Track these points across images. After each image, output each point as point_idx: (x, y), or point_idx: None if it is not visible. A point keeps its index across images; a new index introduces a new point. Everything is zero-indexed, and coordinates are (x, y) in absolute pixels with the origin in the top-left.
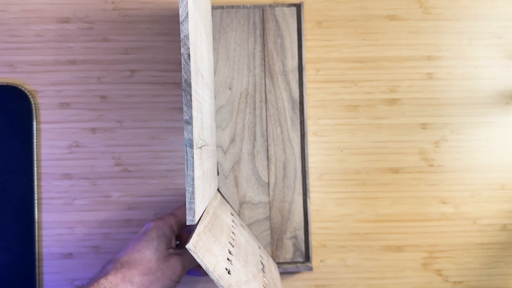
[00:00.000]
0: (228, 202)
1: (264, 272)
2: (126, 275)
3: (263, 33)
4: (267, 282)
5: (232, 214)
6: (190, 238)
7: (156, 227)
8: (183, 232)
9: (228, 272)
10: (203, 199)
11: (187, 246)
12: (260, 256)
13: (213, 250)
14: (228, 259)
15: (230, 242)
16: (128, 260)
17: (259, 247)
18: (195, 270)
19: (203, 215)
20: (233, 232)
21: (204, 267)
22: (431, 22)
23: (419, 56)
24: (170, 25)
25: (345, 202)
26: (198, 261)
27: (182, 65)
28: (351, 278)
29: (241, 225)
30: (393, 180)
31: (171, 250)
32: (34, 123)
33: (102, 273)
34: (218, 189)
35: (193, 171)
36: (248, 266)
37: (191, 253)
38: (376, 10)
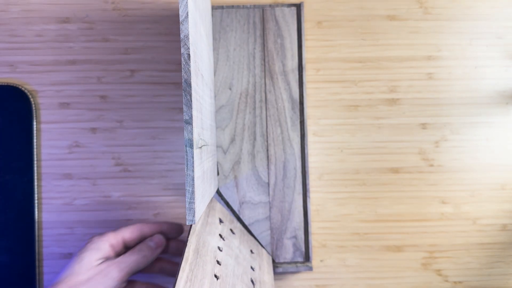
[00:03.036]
0: (229, 204)
1: None
2: None
3: (263, 33)
4: None
5: (221, 221)
6: None
7: (89, 241)
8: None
9: None
10: (203, 199)
11: None
12: (251, 269)
13: None
14: None
15: None
16: (59, 280)
17: (251, 251)
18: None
19: (181, 268)
20: (218, 262)
21: None
22: (431, 22)
23: (419, 56)
24: (170, 25)
25: (345, 202)
26: None
27: (182, 65)
28: (351, 278)
29: (231, 230)
30: (393, 180)
31: (105, 260)
32: (34, 123)
33: None
34: (218, 191)
35: (193, 171)
36: None
37: None
38: (376, 10)
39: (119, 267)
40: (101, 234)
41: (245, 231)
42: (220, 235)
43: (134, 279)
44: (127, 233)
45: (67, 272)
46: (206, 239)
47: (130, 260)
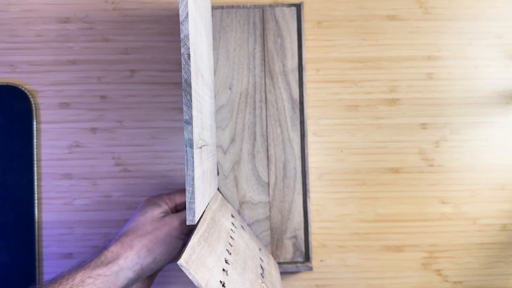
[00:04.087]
0: (228, 202)
1: (263, 277)
2: (125, 241)
3: (263, 33)
4: (265, 287)
5: (232, 216)
6: (182, 253)
7: (147, 200)
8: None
9: (223, 285)
10: (203, 199)
11: (178, 262)
12: (260, 259)
13: (207, 262)
14: (223, 269)
15: (227, 250)
16: (125, 231)
17: (260, 249)
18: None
19: (200, 222)
20: (231, 237)
21: (196, 284)
22: (431, 22)
23: (419, 56)
24: (170, 25)
25: (345, 202)
26: (190, 277)
27: (182, 65)
28: (351, 278)
29: (242, 226)
30: (393, 180)
31: (166, 214)
32: (34, 123)
33: (104, 248)
34: (218, 189)
35: (193, 171)
36: (246, 273)
37: (183, 270)
38: (376, 10)
39: (180, 219)
40: (156, 195)
41: (254, 235)
42: (232, 223)
43: (185, 242)
44: (178, 197)
45: (132, 224)
46: (220, 219)
47: None
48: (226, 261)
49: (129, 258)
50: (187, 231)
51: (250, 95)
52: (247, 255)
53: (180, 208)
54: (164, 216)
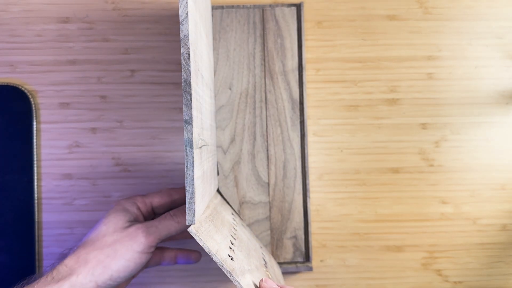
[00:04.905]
0: (228, 203)
1: (266, 267)
2: (81, 254)
3: (263, 33)
4: (270, 276)
5: (232, 214)
6: (192, 225)
7: (117, 203)
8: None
9: (231, 259)
10: (203, 199)
11: (189, 230)
12: (262, 254)
13: (215, 237)
14: (230, 248)
15: (232, 235)
16: (84, 242)
17: (261, 247)
18: (184, 257)
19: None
20: (234, 228)
21: (207, 250)
22: (431, 22)
23: (419, 56)
24: (170, 25)
25: (345, 202)
26: (201, 244)
27: (182, 65)
28: (351, 278)
29: (242, 224)
30: (393, 180)
31: (133, 223)
32: (34, 123)
33: (61, 260)
34: (218, 190)
35: (193, 171)
36: (250, 258)
37: (194, 236)
38: (376, 10)
39: (147, 231)
40: (129, 197)
41: (254, 235)
42: (234, 219)
43: (163, 246)
44: (156, 198)
45: (93, 234)
46: (222, 212)
47: (161, 225)
48: (232, 243)
49: (82, 275)
50: (155, 244)
51: (250, 95)
52: (250, 246)
53: (158, 212)
54: (129, 226)
